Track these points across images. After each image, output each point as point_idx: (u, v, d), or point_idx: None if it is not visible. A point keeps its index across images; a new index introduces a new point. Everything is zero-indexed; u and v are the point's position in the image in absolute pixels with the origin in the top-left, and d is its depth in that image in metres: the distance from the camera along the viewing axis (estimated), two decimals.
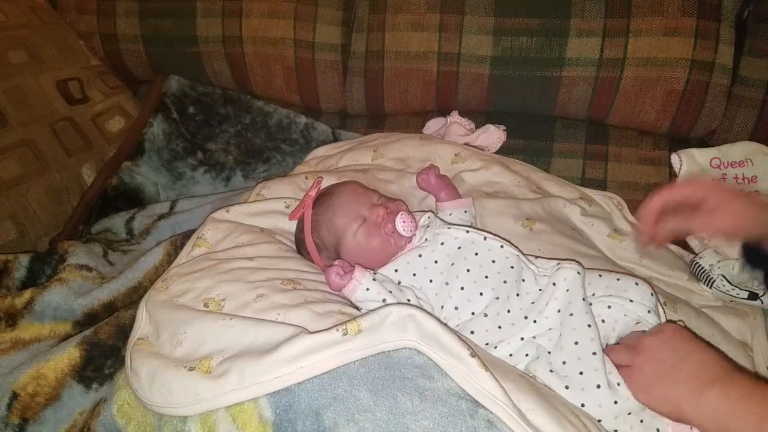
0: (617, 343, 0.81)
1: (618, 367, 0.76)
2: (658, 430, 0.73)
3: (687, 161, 1.24)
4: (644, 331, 0.80)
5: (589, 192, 1.22)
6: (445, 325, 0.69)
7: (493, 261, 0.87)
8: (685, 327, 0.82)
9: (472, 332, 0.82)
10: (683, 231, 0.82)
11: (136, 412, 0.70)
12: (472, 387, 0.62)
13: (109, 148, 1.40)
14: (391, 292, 0.81)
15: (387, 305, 0.69)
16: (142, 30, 1.51)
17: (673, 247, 1.16)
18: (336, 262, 0.85)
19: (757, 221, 0.79)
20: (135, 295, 0.96)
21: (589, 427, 0.67)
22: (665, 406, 0.70)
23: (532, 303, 0.84)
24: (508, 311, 0.83)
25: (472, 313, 0.83)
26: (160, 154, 1.39)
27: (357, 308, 0.80)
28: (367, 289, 0.81)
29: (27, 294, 0.92)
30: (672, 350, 0.72)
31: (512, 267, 0.86)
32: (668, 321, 0.83)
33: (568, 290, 0.83)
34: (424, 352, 0.64)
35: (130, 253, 1.12)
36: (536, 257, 0.91)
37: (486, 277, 0.85)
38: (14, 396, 0.78)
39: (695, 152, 1.25)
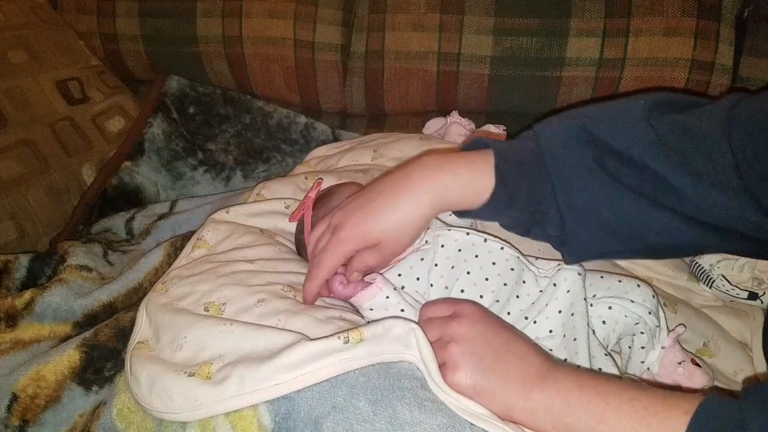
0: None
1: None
2: None
3: None
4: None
5: None
6: None
7: (494, 263, 0.86)
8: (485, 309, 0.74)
9: None
10: None
11: (136, 417, 0.70)
12: (462, 410, 0.62)
13: (109, 148, 1.40)
14: (409, 303, 0.81)
15: (389, 318, 0.68)
16: (142, 30, 1.51)
17: None
18: (339, 270, 0.84)
19: None
20: (135, 297, 0.96)
21: None
22: (493, 405, 0.62)
23: (533, 304, 0.84)
24: (508, 313, 0.83)
25: None
26: (160, 154, 1.39)
27: (359, 314, 0.80)
28: (387, 297, 0.80)
29: (27, 294, 0.92)
30: (488, 342, 0.66)
31: (512, 269, 0.86)
32: (468, 302, 0.75)
33: (569, 291, 0.82)
34: (422, 370, 0.64)
35: (130, 253, 1.12)
36: (537, 258, 0.90)
37: (486, 279, 0.85)
38: (14, 398, 0.78)
39: None
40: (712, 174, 0.65)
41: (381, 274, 0.84)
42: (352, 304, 0.83)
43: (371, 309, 0.80)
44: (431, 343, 0.67)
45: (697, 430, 0.49)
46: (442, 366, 0.65)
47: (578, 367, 0.73)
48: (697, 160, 0.65)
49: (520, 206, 0.73)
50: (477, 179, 0.71)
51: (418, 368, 0.65)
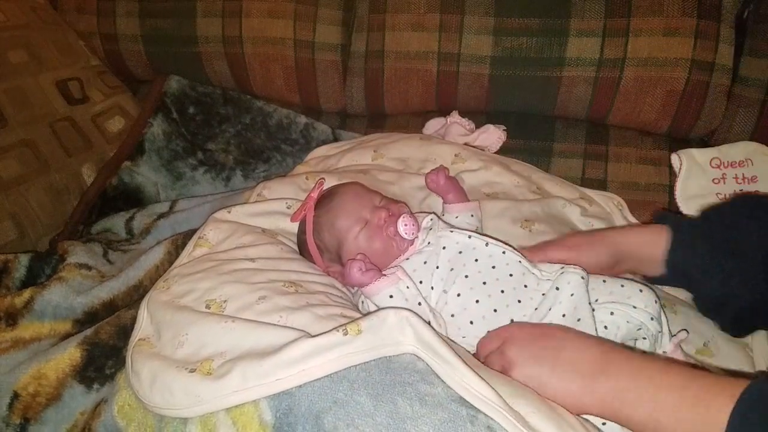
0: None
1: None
2: None
3: (687, 161, 1.24)
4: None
5: (589, 192, 1.21)
6: (437, 332, 0.68)
7: (493, 267, 0.85)
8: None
9: (466, 340, 0.82)
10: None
11: (137, 413, 0.70)
12: (467, 392, 0.61)
13: (109, 148, 1.40)
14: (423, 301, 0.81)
15: (383, 309, 0.68)
16: (142, 30, 1.51)
17: None
18: (358, 256, 0.85)
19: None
20: (135, 294, 0.96)
21: (590, 430, 0.67)
22: (564, 400, 0.68)
23: (535, 309, 0.83)
24: (512, 320, 0.81)
25: (471, 322, 0.82)
26: (160, 154, 1.39)
27: (359, 311, 0.80)
28: (408, 287, 0.81)
29: (27, 293, 0.92)
30: (542, 345, 0.72)
31: (511, 275, 0.85)
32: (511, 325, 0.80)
33: (572, 295, 0.81)
34: (423, 358, 0.64)
35: (130, 252, 1.12)
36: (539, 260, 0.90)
37: (484, 283, 0.83)
38: (15, 396, 0.78)
39: (695, 152, 1.25)
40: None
41: (401, 267, 0.84)
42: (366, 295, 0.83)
43: (391, 296, 0.80)
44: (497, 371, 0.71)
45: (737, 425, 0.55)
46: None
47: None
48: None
49: None
50: None
51: (419, 358, 0.65)
